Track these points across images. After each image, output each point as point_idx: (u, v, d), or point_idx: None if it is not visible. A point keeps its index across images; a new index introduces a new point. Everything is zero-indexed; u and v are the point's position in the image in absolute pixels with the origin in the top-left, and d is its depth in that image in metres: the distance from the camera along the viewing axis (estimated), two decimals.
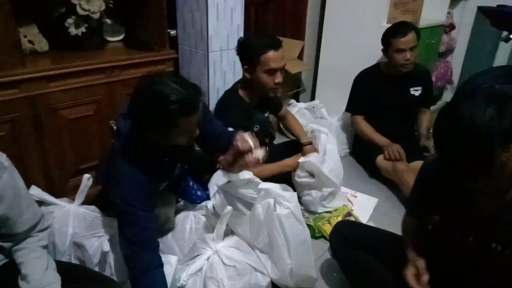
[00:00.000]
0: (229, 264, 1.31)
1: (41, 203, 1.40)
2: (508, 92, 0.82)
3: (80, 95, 1.58)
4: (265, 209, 1.36)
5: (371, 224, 1.82)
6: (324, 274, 1.57)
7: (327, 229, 1.74)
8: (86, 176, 1.46)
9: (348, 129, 2.63)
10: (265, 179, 1.64)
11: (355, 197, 2.09)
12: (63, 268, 1.07)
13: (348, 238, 1.36)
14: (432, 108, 2.44)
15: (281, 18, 3.06)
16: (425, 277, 1.05)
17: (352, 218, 1.85)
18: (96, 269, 1.34)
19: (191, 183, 1.66)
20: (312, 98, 3.06)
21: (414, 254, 1.14)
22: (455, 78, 3.36)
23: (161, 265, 1.24)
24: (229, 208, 1.35)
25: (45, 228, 1.11)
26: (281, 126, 2.29)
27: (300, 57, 3.09)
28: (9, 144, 1.41)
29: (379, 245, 1.32)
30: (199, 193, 1.66)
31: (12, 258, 1.04)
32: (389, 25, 2.24)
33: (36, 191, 1.37)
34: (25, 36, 1.58)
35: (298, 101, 3.06)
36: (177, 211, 1.60)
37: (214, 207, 1.50)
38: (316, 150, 1.94)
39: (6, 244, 1.03)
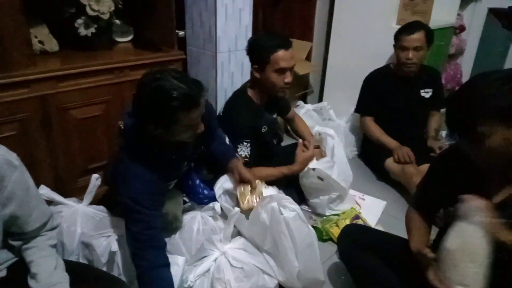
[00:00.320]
0: (236, 266, 1.31)
1: (50, 202, 1.41)
2: None
3: (89, 95, 1.59)
4: (269, 214, 1.36)
5: (379, 227, 1.80)
6: (332, 277, 1.56)
7: (335, 232, 1.73)
8: (95, 176, 1.46)
9: (356, 131, 2.62)
10: (270, 182, 1.64)
11: (363, 199, 2.08)
12: (71, 267, 1.08)
13: (356, 241, 1.35)
14: (441, 111, 2.41)
15: (289, 19, 3.05)
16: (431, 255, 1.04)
17: (360, 221, 1.84)
18: (104, 268, 1.35)
19: (197, 182, 1.66)
20: (320, 99, 3.04)
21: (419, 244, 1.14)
22: (465, 81, 3.32)
23: (167, 264, 1.23)
24: (236, 209, 1.35)
25: (54, 227, 1.12)
26: (289, 128, 2.27)
27: (308, 58, 3.08)
28: (19, 143, 1.42)
29: (387, 248, 1.31)
30: (206, 192, 1.65)
31: (22, 257, 1.05)
32: (399, 26, 2.22)
33: (45, 191, 1.38)
34: (35, 37, 1.59)
35: (305, 102, 3.05)
36: (184, 212, 1.60)
37: (221, 209, 1.50)
38: (323, 154, 1.93)
39: (16, 243, 1.04)
